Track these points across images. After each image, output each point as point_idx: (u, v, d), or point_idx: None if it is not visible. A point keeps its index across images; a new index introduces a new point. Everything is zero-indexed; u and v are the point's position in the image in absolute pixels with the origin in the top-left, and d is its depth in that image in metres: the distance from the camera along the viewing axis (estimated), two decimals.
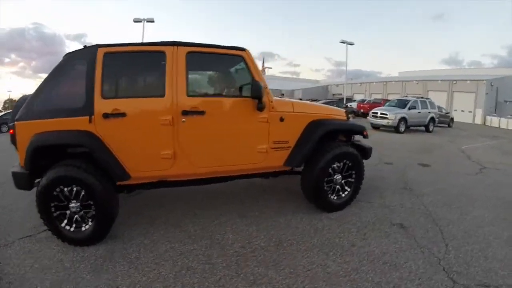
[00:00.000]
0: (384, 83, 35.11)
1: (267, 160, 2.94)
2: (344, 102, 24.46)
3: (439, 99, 23.02)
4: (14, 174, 2.46)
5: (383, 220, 3.13)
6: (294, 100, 3.43)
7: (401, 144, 9.32)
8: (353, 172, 3.26)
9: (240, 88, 2.93)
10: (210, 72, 3.14)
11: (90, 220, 2.46)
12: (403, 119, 12.46)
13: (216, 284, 2.08)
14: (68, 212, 2.42)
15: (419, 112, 13.36)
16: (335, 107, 3.75)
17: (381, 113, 12.87)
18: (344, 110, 3.54)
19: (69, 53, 2.60)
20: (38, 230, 2.62)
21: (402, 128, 12.46)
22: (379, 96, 29.60)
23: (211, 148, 2.74)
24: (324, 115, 3.24)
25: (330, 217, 3.13)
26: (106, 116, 2.44)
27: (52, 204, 2.37)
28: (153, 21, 20.80)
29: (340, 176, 3.20)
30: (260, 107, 2.77)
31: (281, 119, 2.93)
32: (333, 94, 40.32)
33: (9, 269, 2.21)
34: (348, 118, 3.46)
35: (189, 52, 2.66)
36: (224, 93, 2.83)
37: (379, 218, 3.17)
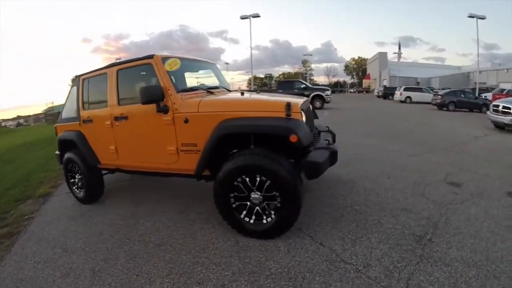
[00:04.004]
0: None
1: (180, 162, 2.91)
2: (477, 92, 20.11)
3: None
4: (56, 154, 4.11)
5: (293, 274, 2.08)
6: (206, 98, 2.90)
7: None
8: (277, 194, 2.41)
9: None
10: (135, 83, 3.35)
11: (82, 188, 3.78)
12: None
13: (153, 228, 2.97)
14: (75, 180, 3.86)
15: None
16: (274, 100, 2.78)
17: (503, 107, 8.44)
18: (285, 104, 2.41)
19: (72, 79, 4.40)
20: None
21: None
22: None
23: (134, 146, 3.23)
24: (242, 112, 2.56)
25: (251, 242, 2.57)
26: (84, 121, 3.61)
27: (69, 174, 3.89)
28: (258, 16, 21.81)
29: (259, 196, 2.50)
30: (161, 110, 2.81)
31: (186, 121, 2.78)
32: (475, 83, 28.56)
33: (111, 193, 4.15)
34: (288, 115, 2.39)
35: (118, 70, 3.27)
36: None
37: (288, 271, 2.15)
